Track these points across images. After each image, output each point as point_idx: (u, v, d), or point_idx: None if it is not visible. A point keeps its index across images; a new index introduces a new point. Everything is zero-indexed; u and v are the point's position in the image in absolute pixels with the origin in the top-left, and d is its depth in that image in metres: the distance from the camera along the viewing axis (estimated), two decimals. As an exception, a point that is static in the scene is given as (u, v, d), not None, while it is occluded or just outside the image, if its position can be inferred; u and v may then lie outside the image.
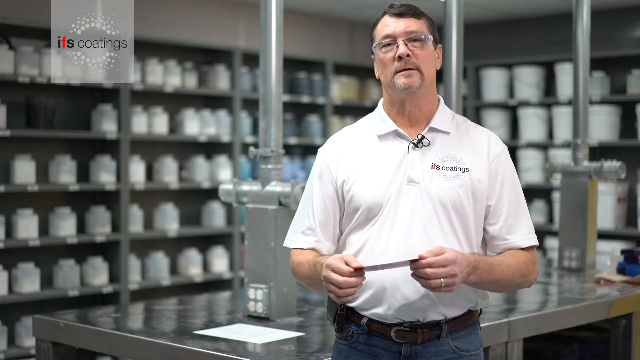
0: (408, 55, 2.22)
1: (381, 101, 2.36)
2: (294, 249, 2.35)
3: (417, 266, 2.04)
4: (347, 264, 2.05)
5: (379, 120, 2.33)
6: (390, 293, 2.19)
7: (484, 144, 2.28)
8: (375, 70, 2.32)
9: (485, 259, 2.18)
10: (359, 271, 2.05)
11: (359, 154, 2.29)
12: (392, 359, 2.22)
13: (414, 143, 2.25)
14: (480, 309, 2.33)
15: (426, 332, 2.21)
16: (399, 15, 2.25)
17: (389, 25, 2.25)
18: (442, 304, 2.20)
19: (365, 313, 2.24)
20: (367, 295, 2.22)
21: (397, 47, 2.23)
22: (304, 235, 2.32)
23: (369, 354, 2.25)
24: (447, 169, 2.23)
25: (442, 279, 2.03)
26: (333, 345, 2.36)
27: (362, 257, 2.21)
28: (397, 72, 2.23)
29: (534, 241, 2.27)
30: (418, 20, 2.25)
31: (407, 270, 2.10)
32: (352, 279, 2.04)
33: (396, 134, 2.28)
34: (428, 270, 2.03)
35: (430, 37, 2.25)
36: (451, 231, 2.20)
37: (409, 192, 2.21)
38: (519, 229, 2.26)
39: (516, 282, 2.23)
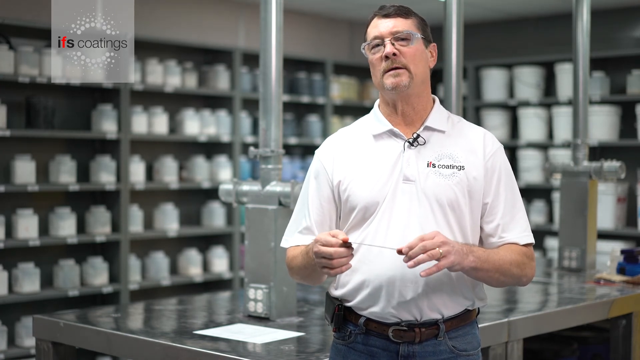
0: (395, 55, 2.23)
1: (377, 102, 2.38)
2: (290, 247, 2.35)
3: (411, 246, 2.04)
4: (334, 237, 2.08)
5: (374, 120, 2.34)
6: (387, 291, 2.19)
7: (479, 142, 2.29)
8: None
9: (478, 247, 2.20)
10: (347, 244, 2.08)
11: (354, 153, 2.30)
12: (390, 359, 2.23)
13: (409, 142, 2.27)
14: (478, 309, 2.33)
15: (424, 331, 2.21)
16: (386, 16, 2.28)
17: (376, 26, 2.29)
18: (439, 301, 2.20)
19: (363, 312, 2.25)
20: (364, 294, 2.22)
21: (384, 47, 2.25)
22: (301, 235, 2.33)
23: (366, 353, 2.25)
24: (443, 167, 2.24)
25: (438, 248, 2.04)
26: (331, 345, 2.36)
27: (359, 256, 2.22)
28: (385, 71, 2.25)
29: (530, 239, 2.28)
30: (405, 20, 2.28)
31: (404, 268, 2.12)
32: (342, 249, 2.07)
33: (391, 133, 2.29)
34: (422, 245, 2.03)
35: (418, 35, 2.26)
36: (447, 229, 2.21)
37: (404, 191, 2.22)
38: (515, 227, 2.26)
39: (514, 273, 2.22)
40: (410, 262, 2.04)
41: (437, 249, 2.04)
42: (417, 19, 2.30)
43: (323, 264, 2.09)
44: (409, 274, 2.17)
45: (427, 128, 2.29)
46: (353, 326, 2.27)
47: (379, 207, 2.22)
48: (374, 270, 2.20)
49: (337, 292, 2.29)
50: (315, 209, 2.31)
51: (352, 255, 2.10)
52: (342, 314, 2.28)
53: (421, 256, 2.04)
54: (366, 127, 2.34)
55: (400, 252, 2.06)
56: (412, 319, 2.21)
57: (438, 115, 2.32)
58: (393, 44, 2.24)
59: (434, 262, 2.06)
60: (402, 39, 2.25)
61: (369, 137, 2.31)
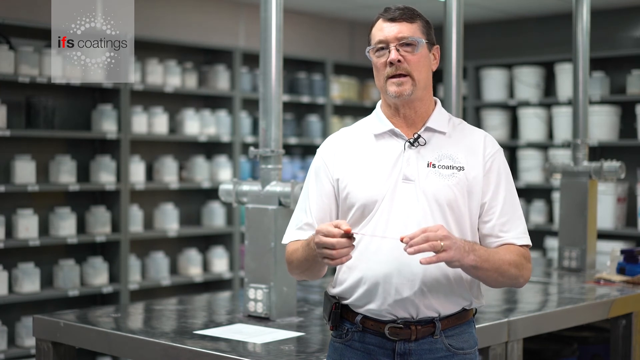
0: (399, 61, 2.24)
1: (379, 103, 2.39)
2: (290, 242, 2.36)
3: (413, 236, 2.04)
4: (337, 227, 2.08)
5: (376, 120, 2.35)
6: (383, 288, 2.20)
7: (479, 143, 2.31)
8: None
9: (480, 245, 2.20)
10: (349, 234, 2.08)
11: (355, 152, 2.31)
12: (387, 357, 2.24)
13: (409, 142, 2.28)
14: (476, 309, 2.34)
15: (420, 329, 2.22)
16: (392, 20, 2.27)
17: (382, 30, 2.28)
18: (436, 300, 2.21)
19: (360, 310, 2.25)
20: (361, 291, 2.23)
21: (389, 52, 2.25)
22: (302, 231, 2.33)
23: (363, 351, 2.26)
24: (443, 167, 2.25)
25: (440, 241, 2.04)
26: (329, 343, 2.37)
27: (357, 253, 2.22)
28: (388, 77, 2.26)
29: (528, 241, 2.29)
30: (411, 25, 2.27)
31: (401, 266, 2.14)
32: (344, 240, 2.07)
33: (392, 133, 2.31)
34: (425, 235, 2.04)
35: (423, 41, 2.27)
36: (447, 229, 2.20)
37: (404, 190, 2.23)
38: (512, 228, 2.27)
39: (512, 273, 2.22)
40: (411, 249, 2.04)
41: (439, 241, 2.05)
42: (422, 22, 2.30)
43: (324, 254, 2.09)
44: (406, 271, 2.18)
45: (428, 129, 2.30)
46: (350, 324, 2.28)
47: (378, 205, 2.23)
48: (371, 268, 2.21)
49: (335, 290, 2.30)
50: (316, 206, 2.32)
51: (353, 246, 2.09)
52: (339, 312, 2.29)
53: (422, 245, 2.04)
54: (368, 126, 2.36)
55: (402, 241, 2.06)
56: (408, 316, 2.21)
57: (439, 117, 2.33)
58: (398, 50, 2.24)
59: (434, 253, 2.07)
60: (407, 45, 2.25)
61: (370, 136, 2.33)
